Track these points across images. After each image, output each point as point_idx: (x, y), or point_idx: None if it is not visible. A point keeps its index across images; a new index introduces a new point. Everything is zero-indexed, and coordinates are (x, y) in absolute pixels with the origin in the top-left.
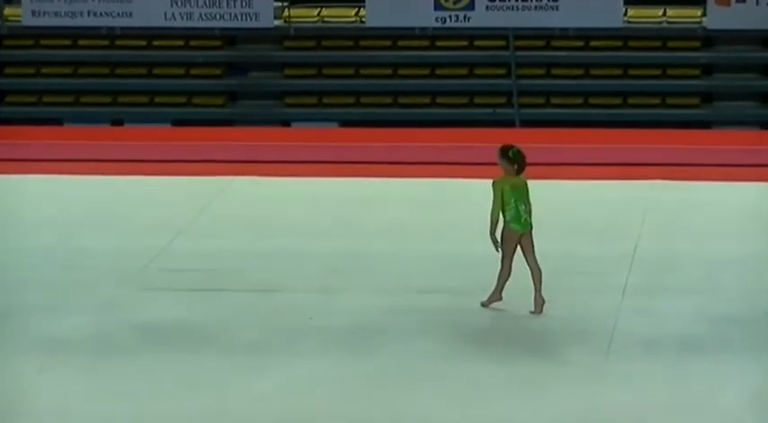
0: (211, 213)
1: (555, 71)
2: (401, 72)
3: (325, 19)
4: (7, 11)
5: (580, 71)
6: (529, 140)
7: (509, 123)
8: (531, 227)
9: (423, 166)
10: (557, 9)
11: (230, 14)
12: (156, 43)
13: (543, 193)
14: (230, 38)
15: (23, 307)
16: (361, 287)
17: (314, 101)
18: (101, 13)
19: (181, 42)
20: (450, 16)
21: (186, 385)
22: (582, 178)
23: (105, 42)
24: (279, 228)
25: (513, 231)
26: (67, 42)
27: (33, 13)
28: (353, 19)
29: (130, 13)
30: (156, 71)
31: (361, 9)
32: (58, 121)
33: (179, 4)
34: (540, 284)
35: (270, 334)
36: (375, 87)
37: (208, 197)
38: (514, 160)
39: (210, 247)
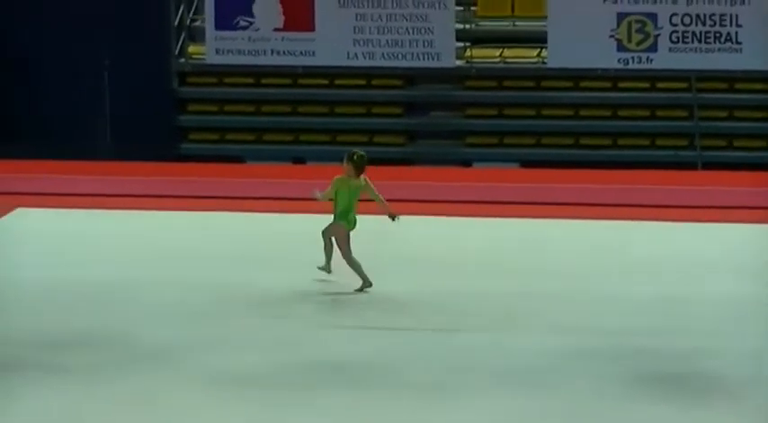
0: (390, 252)
1: (737, 113)
2: (582, 113)
3: (507, 59)
4: (191, 49)
5: (763, 114)
6: (710, 183)
7: (691, 166)
8: (355, 226)
9: (603, 207)
10: (740, 51)
11: (412, 54)
12: (337, 82)
13: (726, 235)
14: (411, 77)
15: (204, 341)
16: (536, 328)
17: (495, 141)
18: (284, 52)
19: (362, 81)
20: (632, 58)
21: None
22: (764, 222)
23: (288, 81)
24: (456, 268)
25: (342, 227)
26: (250, 80)
27: (217, 51)
28: (535, 59)
29: (313, 52)
30: (337, 110)
31: (543, 50)
32: (239, 159)
33: (361, 43)
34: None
35: (445, 373)
36: (556, 128)
37: (386, 236)
38: (357, 163)
39: (388, 286)
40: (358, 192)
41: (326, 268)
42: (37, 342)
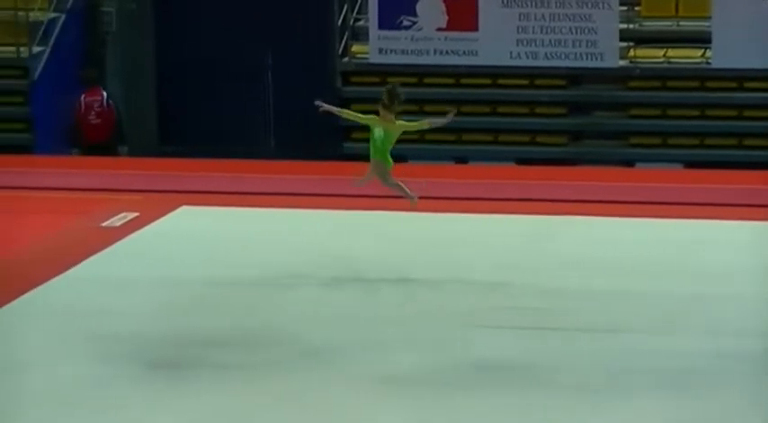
0: (548, 252)
1: None
2: (746, 114)
3: (671, 59)
4: (354, 48)
5: None
6: None
7: None
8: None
9: (764, 208)
10: None
11: (575, 54)
12: (500, 82)
13: None
14: (574, 77)
15: (357, 342)
16: (695, 329)
17: (658, 141)
18: (447, 52)
19: (525, 81)
20: None
21: None
22: None
23: (450, 81)
24: (614, 268)
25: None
26: (413, 80)
27: (380, 50)
28: (699, 60)
29: (476, 52)
30: (500, 109)
31: (707, 50)
32: (402, 158)
33: (524, 43)
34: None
35: (603, 375)
36: (720, 129)
37: (547, 235)
38: (387, 100)
39: (546, 285)
40: (390, 136)
41: (412, 201)
42: (200, 341)
